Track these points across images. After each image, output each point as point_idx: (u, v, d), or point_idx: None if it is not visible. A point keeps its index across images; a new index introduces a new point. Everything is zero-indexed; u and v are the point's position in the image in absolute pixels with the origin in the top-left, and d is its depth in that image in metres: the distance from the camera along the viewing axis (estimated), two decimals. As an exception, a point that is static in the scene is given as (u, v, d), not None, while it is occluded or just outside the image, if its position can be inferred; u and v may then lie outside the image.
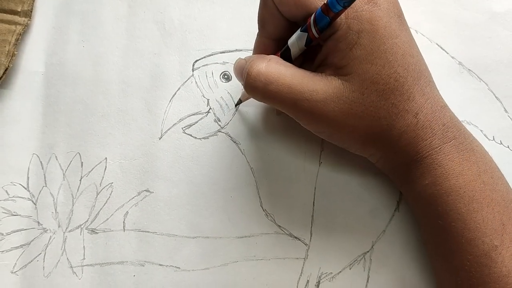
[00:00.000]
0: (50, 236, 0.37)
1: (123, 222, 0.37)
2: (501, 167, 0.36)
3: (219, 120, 0.38)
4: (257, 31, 0.33)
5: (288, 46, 0.30)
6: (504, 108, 0.38)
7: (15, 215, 0.37)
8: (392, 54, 0.28)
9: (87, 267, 0.36)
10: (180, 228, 0.37)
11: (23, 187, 0.37)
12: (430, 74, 0.31)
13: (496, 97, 0.38)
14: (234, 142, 0.37)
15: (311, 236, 0.36)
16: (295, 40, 0.30)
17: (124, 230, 0.37)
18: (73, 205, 0.37)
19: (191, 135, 0.38)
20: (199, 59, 0.39)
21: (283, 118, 0.37)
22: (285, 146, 0.37)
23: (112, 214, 0.37)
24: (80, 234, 0.37)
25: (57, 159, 0.38)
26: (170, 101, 0.38)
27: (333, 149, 0.37)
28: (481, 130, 0.37)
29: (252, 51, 0.34)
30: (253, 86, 0.29)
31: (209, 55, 0.39)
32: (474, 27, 0.39)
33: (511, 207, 0.29)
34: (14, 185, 0.37)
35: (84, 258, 0.36)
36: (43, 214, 0.37)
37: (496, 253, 0.28)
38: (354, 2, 0.26)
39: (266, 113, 0.38)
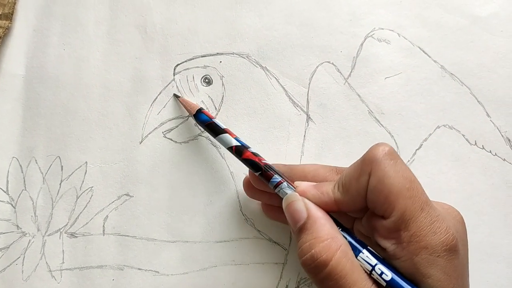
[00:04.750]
0: (29, 240, 0.37)
1: (103, 226, 0.37)
2: (483, 172, 0.36)
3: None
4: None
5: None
6: (487, 112, 0.37)
7: (-6, 218, 0.37)
8: None
9: (66, 271, 0.36)
10: (159, 232, 0.36)
11: (2, 190, 0.37)
12: None
13: (478, 101, 0.37)
14: (214, 146, 0.37)
15: (290, 241, 0.36)
16: None
17: (103, 234, 0.37)
18: (52, 209, 0.37)
19: (171, 139, 0.38)
20: (180, 63, 0.39)
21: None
22: (266, 149, 0.37)
23: (91, 218, 0.37)
24: (60, 238, 0.37)
25: (37, 163, 0.37)
26: (151, 105, 0.38)
27: (313, 154, 0.37)
28: (463, 135, 0.37)
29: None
30: (310, 270, 0.27)
31: (190, 59, 0.38)
32: (456, 31, 0.38)
33: None
34: (-7, 188, 0.37)
35: (63, 262, 0.36)
36: (22, 217, 0.37)
37: None
38: (432, 244, 0.25)
39: (246, 117, 0.38)
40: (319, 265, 0.26)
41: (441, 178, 0.37)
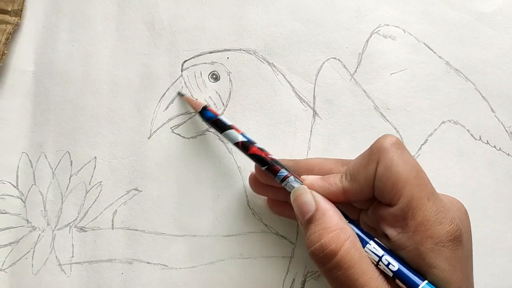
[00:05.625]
0: (39, 234, 0.37)
1: (112, 220, 0.37)
2: (488, 167, 0.37)
3: (207, 120, 0.38)
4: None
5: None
6: (491, 108, 0.38)
7: (4, 213, 0.37)
8: None
9: (75, 265, 0.37)
10: (168, 227, 0.37)
11: (13, 185, 0.37)
12: None
13: (483, 96, 0.38)
14: (222, 141, 0.38)
15: (297, 235, 0.36)
16: None
17: (112, 228, 0.37)
18: (62, 204, 0.37)
19: (179, 135, 0.38)
20: (188, 59, 0.39)
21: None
22: (273, 144, 0.37)
23: (101, 213, 0.37)
24: (69, 232, 0.37)
25: (46, 158, 0.38)
26: (159, 101, 0.38)
27: (319, 149, 0.37)
28: (468, 130, 0.38)
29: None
30: (319, 259, 0.27)
31: (198, 55, 0.39)
32: (461, 28, 0.39)
33: None
34: (3, 183, 0.37)
35: (72, 256, 0.37)
36: (32, 212, 0.37)
37: None
38: (438, 234, 0.26)
39: (253, 112, 0.38)
40: (328, 254, 0.26)
41: (446, 173, 0.37)
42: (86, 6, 0.40)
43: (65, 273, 0.36)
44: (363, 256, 0.27)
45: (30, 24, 0.40)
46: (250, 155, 0.33)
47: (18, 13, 0.39)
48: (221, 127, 0.34)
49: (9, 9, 0.39)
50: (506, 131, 0.37)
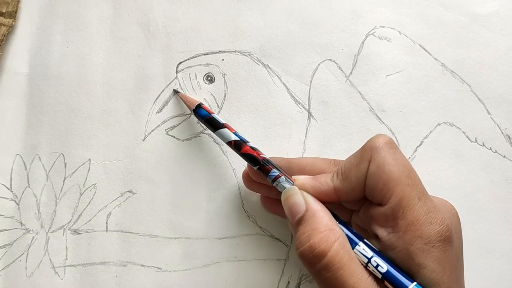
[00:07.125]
0: (33, 237, 0.37)
1: (106, 222, 0.37)
2: (483, 169, 0.37)
3: (202, 122, 0.38)
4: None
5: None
6: (487, 109, 0.38)
7: (-2, 215, 0.37)
8: None
9: (69, 268, 0.36)
10: (162, 229, 0.37)
11: (6, 187, 0.37)
12: None
13: (479, 98, 0.38)
14: (217, 143, 0.38)
15: (292, 237, 0.36)
16: None
17: (106, 230, 0.37)
18: (56, 206, 0.37)
19: (174, 137, 0.38)
20: (183, 61, 0.39)
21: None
22: (268, 146, 0.37)
23: (95, 215, 0.37)
24: (63, 235, 0.37)
25: (40, 160, 0.38)
26: (153, 103, 0.38)
27: (315, 151, 0.37)
28: (463, 132, 0.37)
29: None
30: (308, 260, 0.27)
31: (193, 57, 0.39)
32: (457, 29, 0.39)
33: None
34: (-3, 185, 0.37)
35: (66, 259, 0.37)
36: (26, 214, 0.37)
37: None
38: (428, 234, 0.26)
39: (248, 114, 0.38)
40: (317, 255, 0.26)
41: (442, 175, 0.37)
42: (81, 8, 0.40)
43: (59, 276, 0.36)
44: (352, 257, 0.27)
45: (25, 26, 0.40)
46: (242, 154, 0.33)
47: (13, 15, 0.39)
48: (214, 125, 0.35)
49: (4, 11, 0.38)
50: (502, 133, 0.37)
